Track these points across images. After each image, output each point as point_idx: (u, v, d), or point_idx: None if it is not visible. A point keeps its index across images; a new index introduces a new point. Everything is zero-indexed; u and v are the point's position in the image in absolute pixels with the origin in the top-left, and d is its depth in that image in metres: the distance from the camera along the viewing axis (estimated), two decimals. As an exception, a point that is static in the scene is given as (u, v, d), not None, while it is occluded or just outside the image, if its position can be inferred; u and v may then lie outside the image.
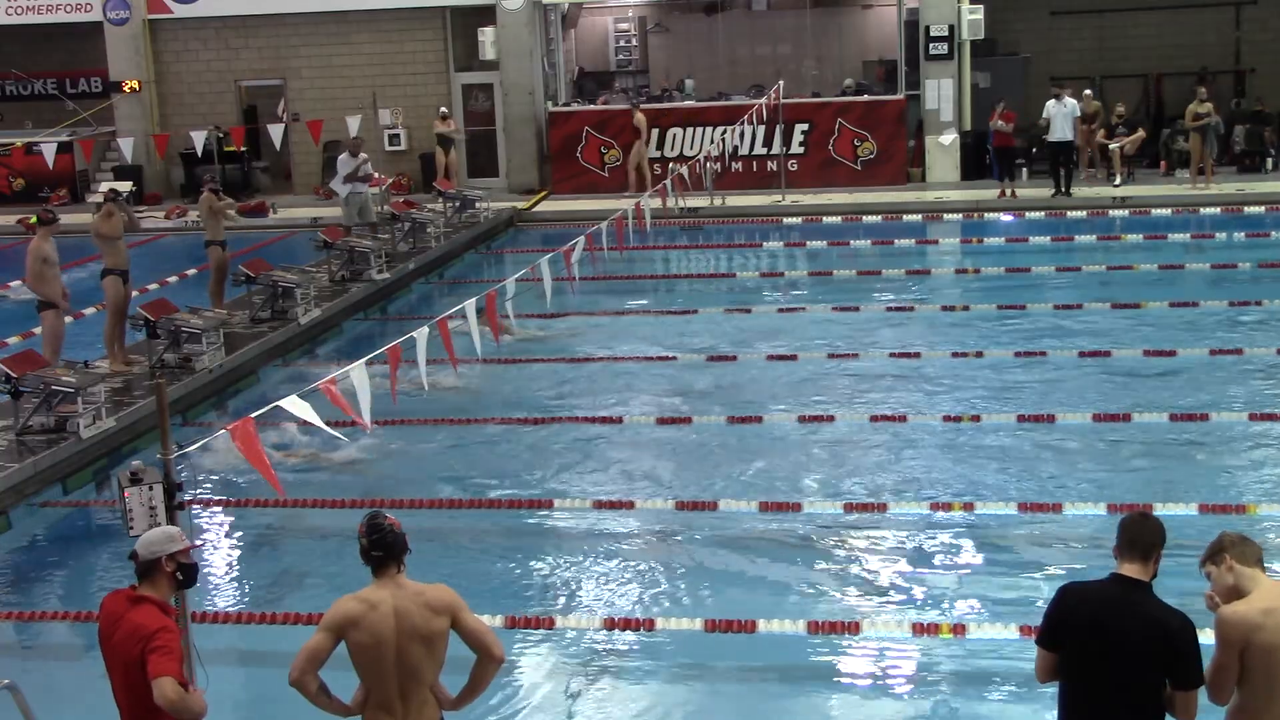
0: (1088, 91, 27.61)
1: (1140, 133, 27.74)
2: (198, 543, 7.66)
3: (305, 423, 8.96)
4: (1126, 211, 25.76)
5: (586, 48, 34.44)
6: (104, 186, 20.13)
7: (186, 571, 6.77)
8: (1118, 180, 27.01)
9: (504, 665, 6.82)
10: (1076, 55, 30.96)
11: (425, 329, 11.15)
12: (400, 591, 6.56)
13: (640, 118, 28.98)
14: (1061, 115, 25.92)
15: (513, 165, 30.47)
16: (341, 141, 29.45)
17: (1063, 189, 26.26)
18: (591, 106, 30.73)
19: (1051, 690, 6.39)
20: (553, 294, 15.78)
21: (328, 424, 9.08)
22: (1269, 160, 28.26)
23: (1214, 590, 6.25)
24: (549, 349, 18.06)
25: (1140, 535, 6.23)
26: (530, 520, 12.42)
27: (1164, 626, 6.03)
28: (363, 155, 24.16)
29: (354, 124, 27.03)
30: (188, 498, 7.72)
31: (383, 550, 6.61)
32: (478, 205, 26.82)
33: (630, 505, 12.44)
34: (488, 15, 30.27)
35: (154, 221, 28.63)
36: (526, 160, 30.39)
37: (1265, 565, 6.29)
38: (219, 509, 12.82)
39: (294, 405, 8.26)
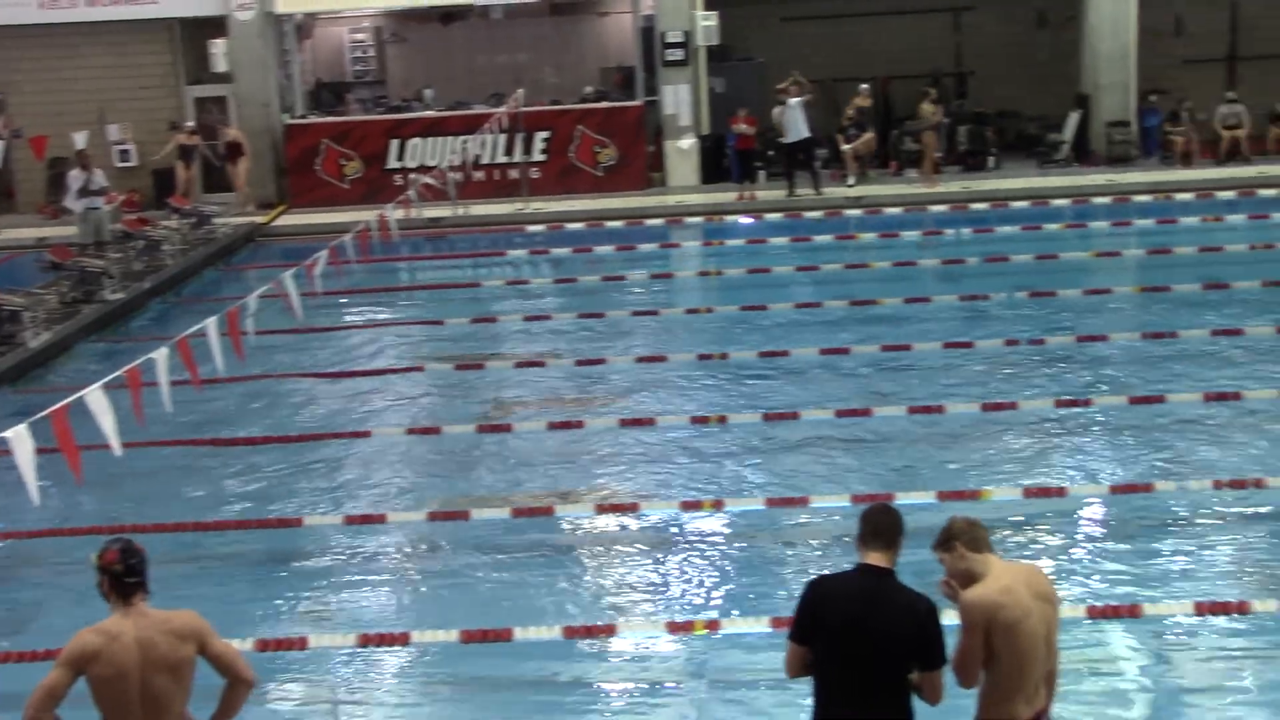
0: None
1: (870, 134, 28.60)
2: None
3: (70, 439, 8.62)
4: (861, 211, 26.51)
5: (323, 59, 33.91)
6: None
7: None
8: (851, 180, 27.80)
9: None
10: (809, 60, 31.69)
11: (165, 349, 10.84)
12: (144, 620, 6.37)
13: (238, 134, 28.88)
14: (791, 115, 26.55)
15: (249, 179, 29.77)
16: (69, 159, 28.55)
17: (812, 187, 26.91)
18: (330, 119, 30.29)
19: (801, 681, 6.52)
20: (299, 309, 15.50)
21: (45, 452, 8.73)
22: (990, 159, 29.43)
23: (949, 576, 6.50)
24: (294, 365, 17.70)
25: (884, 525, 6.42)
26: (280, 539, 12.15)
27: (914, 612, 6.23)
28: (95, 169, 23.48)
29: (80, 139, 26.16)
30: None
31: (139, 576, 6.44)
32: (214, 221, 26.18)
33: (382, 519, 12.29)
34: (219, 26, 29.54)
35: None
36: (263, 173, 29.66)
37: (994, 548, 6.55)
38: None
39: (18, 439, 7.95)
